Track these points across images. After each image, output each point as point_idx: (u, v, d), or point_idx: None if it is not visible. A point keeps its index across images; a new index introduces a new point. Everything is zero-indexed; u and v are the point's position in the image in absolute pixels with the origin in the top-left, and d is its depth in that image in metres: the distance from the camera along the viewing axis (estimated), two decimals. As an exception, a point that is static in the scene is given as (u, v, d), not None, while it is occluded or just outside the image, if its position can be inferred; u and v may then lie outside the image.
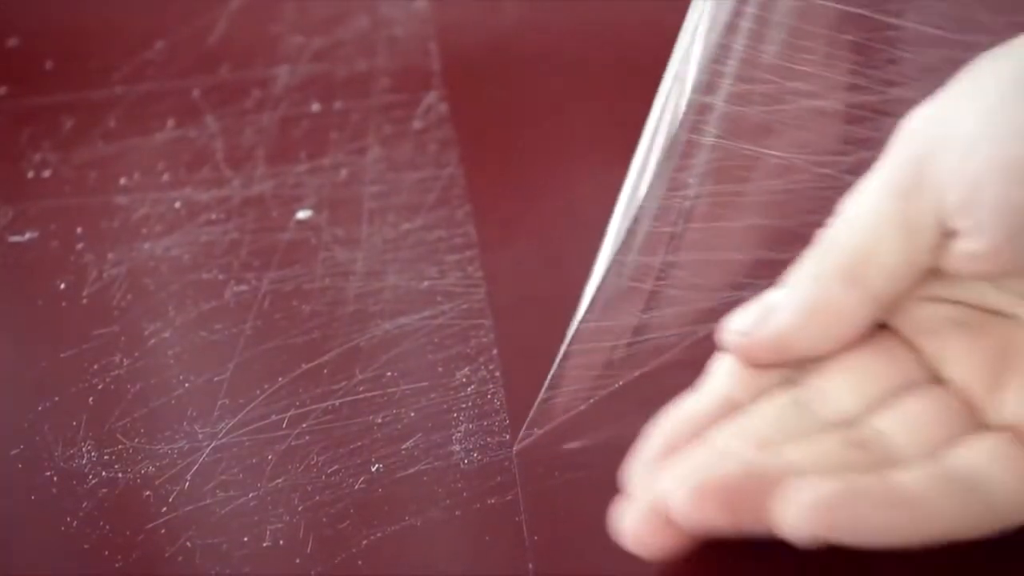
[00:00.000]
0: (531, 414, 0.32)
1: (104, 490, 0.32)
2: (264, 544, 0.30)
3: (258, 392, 0.34)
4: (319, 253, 0.39)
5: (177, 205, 0.42)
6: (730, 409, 0.29)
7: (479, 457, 0.32)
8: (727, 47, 0.32)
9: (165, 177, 0.43)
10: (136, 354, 0.36)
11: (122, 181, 0.43)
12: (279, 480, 0.32)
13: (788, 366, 0.29)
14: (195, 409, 0.34)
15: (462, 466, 0.32)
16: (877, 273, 0.28)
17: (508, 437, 0.32)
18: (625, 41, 0.47)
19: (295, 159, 0.44)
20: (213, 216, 0.41)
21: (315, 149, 0.44)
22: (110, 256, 0.40)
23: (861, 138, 0.29)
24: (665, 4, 0.33)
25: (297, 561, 0.30)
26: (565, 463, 0.31)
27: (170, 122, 0.46)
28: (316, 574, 0.29)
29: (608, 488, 0.28)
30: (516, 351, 0.35)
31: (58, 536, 0.31)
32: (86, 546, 0.30)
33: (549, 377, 0.32)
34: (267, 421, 0.33)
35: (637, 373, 0.33)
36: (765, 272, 0.30)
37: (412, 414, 0.33)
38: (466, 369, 0.35)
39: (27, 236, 0.41)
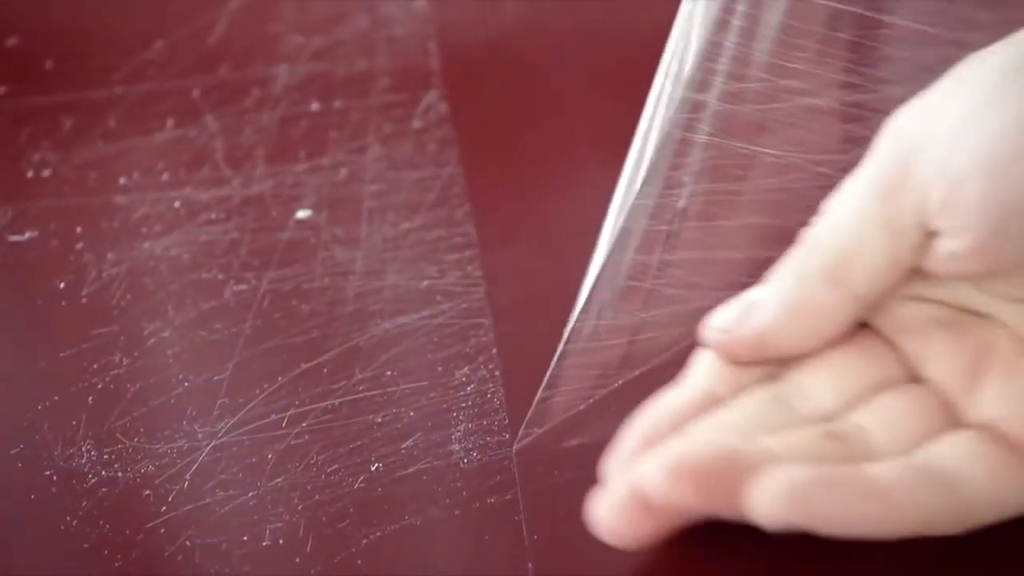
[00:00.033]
0: (529, 413, 0.32)
1: (104, 489, 0.32)
2: (264, 543, 0.30)
3: (258, 391, 0.34)
4: (319, 252, 0.39)
5: (177, 205, 0.42)
6: (710, 404, 0.29)
7: (479, 456, 0.32)
8: (719, 44, 0.32)
9: (165, 177, 0.43)
10: (136, 353, 0.36)
11: (122, 181, 0.43)
12: (279, 479, 0.32)
13: (769, 364, 0.29)
14: (195, 408, 0.34)
15: (462, 465, 0.32)
16: (860, 273, 0.28)
17: (508, 436, 0.32)
18: (625, 40, 0.47)
19: (295, 158, 0.44)
20: (213, 216, 0.41)
21: (315, 148, 0.44)
22: (110, 256, 0.40)
23: (857, 136, 0.29)
24: (665, 4, 0.33)
25: (297, 560, 0.30)
26: (565, 462, 0.31)
27: (170, 122, 0.46)
28: (316, 573, 0.29)
29: (607, 487, 0.28)
30: (516, 350, 0.35)
31: (58, 535, 0.31)
32: (86, 545, 0.30)
33: (547, 376, 0.32)
34: (267, 420, 0.33)
35: (637, 372, 0.33)
36: (764, 271, 0.30)
37: (412, 413, 0.33)
38: (466, 368, 0.35)
39: (27, 235, 0.41)
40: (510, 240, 0.40)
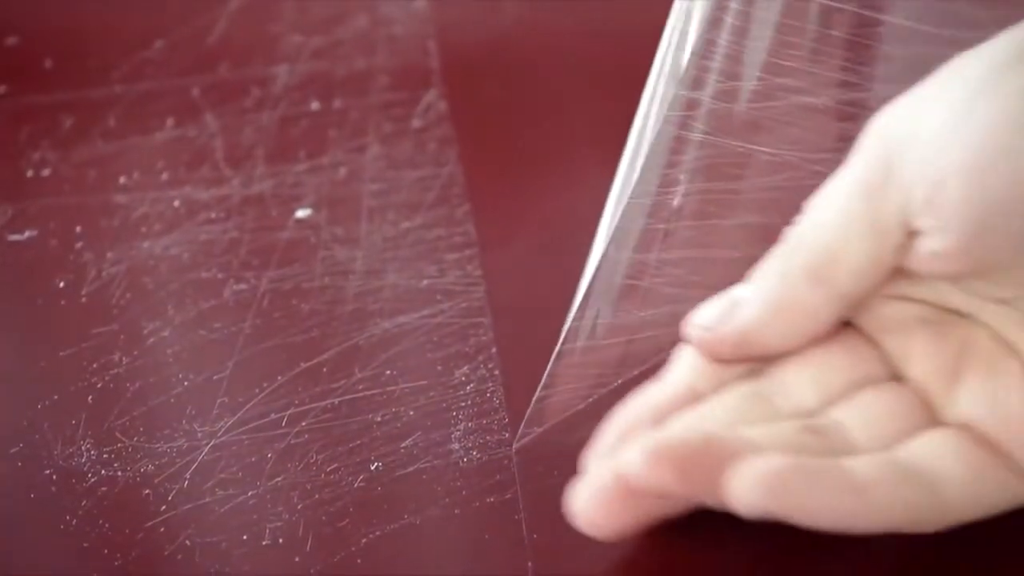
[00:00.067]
0: (528, 413, 0.32)
1: (103, 488, 0.32)
2: (263, 542, 0.30)
3: (257, 391, 0.34)
4: (318, 252, 0.39)
5: (176, 204, 0.42)
6: (691, 400, 0.29)
7: (478, 455, 0.32)
8: (712, 42, 0.32)
9: (164, 176, 0.43)
10: (135, 352, 0.36)
11: (121, 180, 0.43)
12: (278, 478, 0.32)
13: (751, 361, 0.30)
14: (194, 407, 0.34)
15: (461, 464, 0.32)
16: (843, 272, 0.28)
17: (507, 435, 0.32)
18: (625, 40, 0.47)
19: (294, 158, 0.44)
20: (212, 215, 0.41)
21: (314, 148, 0.44)
22: (109, 255, 0.40)
23: (854, 135, 0.29)
24: (665, 3, 0.33)
25: (296, 559, 0.30)
26: (565, 461, 0.31)
27: (169, 121, 0.46)
28: (315, 572, 0.29)
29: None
30: (515, 350, 0.35)
31: (57, 534, 0.31)
32: (85, 544, 0.30)
33: (545, 376, 0.32)
34: (266, 419, 0.33)
35: (636, 371, 0.33)
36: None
37: (411, 412, 0.33)
38: (465, 368, 0.35)
39: (26, 235, 0.41)
40: (510, 239, 0.40)
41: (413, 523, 0.30)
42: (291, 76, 0.48)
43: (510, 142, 0.45)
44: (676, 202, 0.33)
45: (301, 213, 0.41)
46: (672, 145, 0.32)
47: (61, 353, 0.36)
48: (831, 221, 0.28)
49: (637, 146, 0.32)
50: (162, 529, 0.31)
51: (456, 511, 0.31)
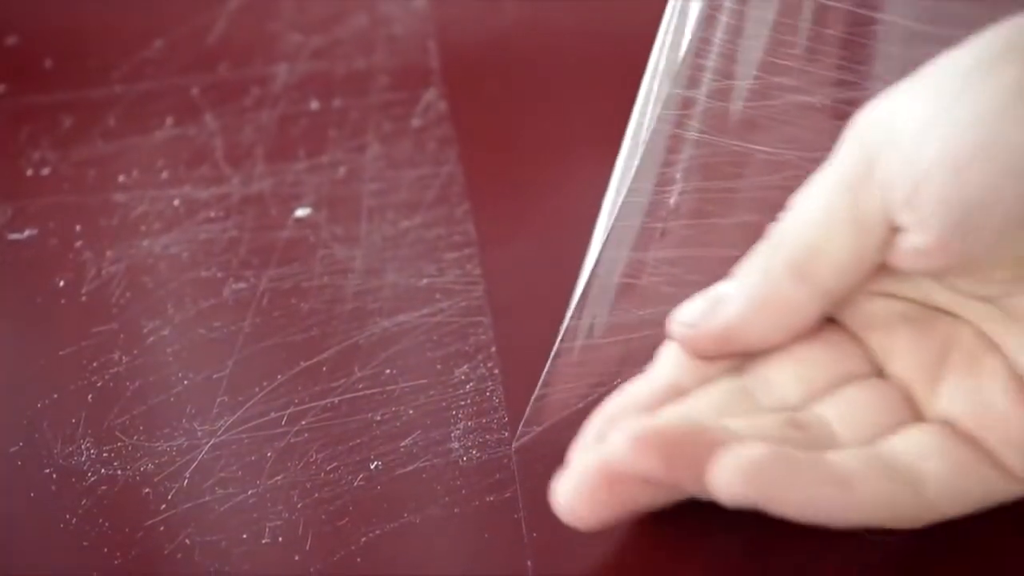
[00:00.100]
0: (527, 412, 0.32)
1: (103, 487, 0.32)
2: (263, 541, 0.30)
3: (257, 390, 0.34)
4: (318, 251, 0.39)
5: (176, 203, 0.42)
6: (674, 396, 0.29)
7: (478, 454, 0.32)
8: (707, 41, 0.32)
9: (164, 175, 0.43)
10: (135, 352, 0.36)
11: (121, 179, 0.43)
12: (278, 477, 0.32)
13: (734, 358, 0.30)
14: (194, 406, 0.34)
15: (461, 463, 0.32)
16: (826, 268, 0.28)
17: (507, 434, 0.32)
18: (625, 39, 0.47)
19: (294, 157, 0.44)
20: (212, 214, 0.41)
21: (314, 147, 0.44)
22: (109, 254, 0.40)
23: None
24: (665, 3, 0.33)
25: (296, 558, 0.30)
26: (564, 460, 0.31)
27: (169, 120, 0.46)
28: (315, 571, 0.29)
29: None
30: (515, 349, 0.35)
31: (57, 533, 0.31)
32: (85, 543, 0.30)
33: (543, 375, 0.32)
34: (266, 418, 0.33)
35: (637, 370, 0.33)
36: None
37: (411, 412, 0.33)
38: (465, 367, 0.35)
39: (26, 234, 0.41)
40: (509, 238, 0.40)
41: (413, 522, 0.30)
42: (290, 75, 0.48)
43: (510, 141, 0.45)
44: (673, 201, 0.33)
45: (301, 212, 0.41)
46: (668, 144, 0.32)
47: (61, 352, 0.36)
48: (814, 217, 0.28)
49: (633, 145, 0.32)
50: (162, 528, 0.31)
51: (456, 510, 0.31)
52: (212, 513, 0.31)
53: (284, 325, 0.36)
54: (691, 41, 0.31)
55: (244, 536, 0.30)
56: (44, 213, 0.42)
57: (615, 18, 0.50)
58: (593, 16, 0.51)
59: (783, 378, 0.29)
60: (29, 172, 0.44)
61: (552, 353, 0.32)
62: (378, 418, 0.33)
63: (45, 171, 0.44)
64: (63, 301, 0.38)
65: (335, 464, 0.32)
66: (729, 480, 0.25)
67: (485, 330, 0.36)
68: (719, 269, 0.30)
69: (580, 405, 0.32)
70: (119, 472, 0.32)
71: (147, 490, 0.32)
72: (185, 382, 0.35)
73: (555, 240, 0.39)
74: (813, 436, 0.28)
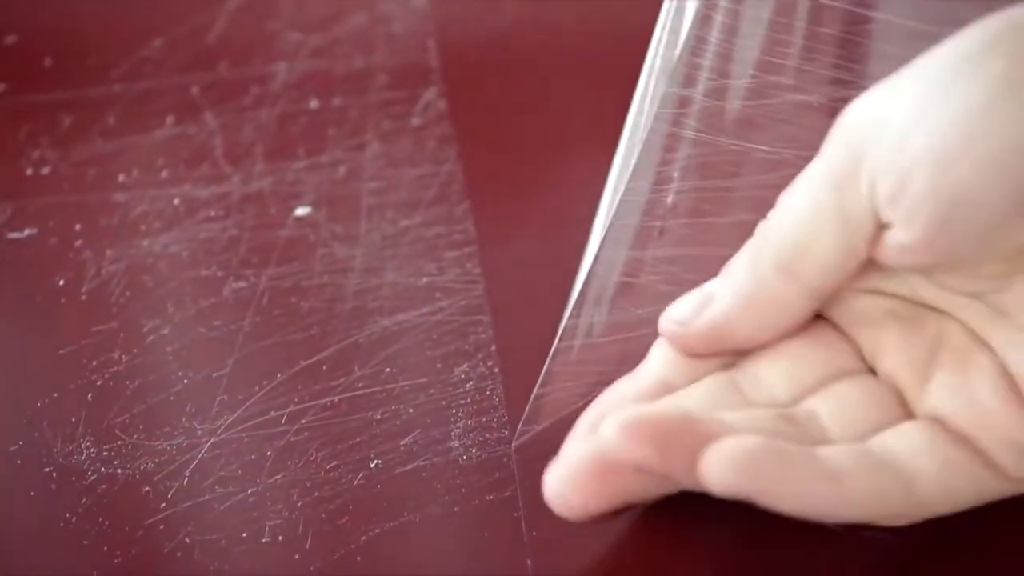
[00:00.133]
0: (526, 411, 0.32)
1: (103, 486, 0.32)
2: (263, 540, 0.30)
3: (257, 388, 0.34)
4: (318, 250, 0.39)
5: (176, 202, 0.42)
6: (664, 392, 0.29)
7: (478, 453, 0.32)
8: (703, 40, 0.32)
9: (164, 174, 0.43)
10: (135, 350, 0.36)
11: (121, 178, 0.43)
12: (278, 476, 0.32)
13: (724, 356, 0.30)
14: (194, 405, 0.34)
15: (461, 462, 0.32)
16: (814, 265, 0.28)
17: (507, 433, 0.32)
18: (625, 38, 0.47)
19: (294, 156, 0.44)
20: (212, 213, 0.41)
21: (314, 146, 0.44)
22: (109, 253, 0.40)
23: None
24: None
25: (296, 557, 0.30)
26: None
27: (169, 119, 0.46)
28: (315, 570, 0.29)
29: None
30: (515, 347, 0.35)
31: (57, 532, 0.31)
32: (85, 542, 0.30)
33: (542, 374, 0.32)
34: (266, 417, 0.33)
35: (635, 369, 0.33)
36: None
37: (411, 410, 0.33)
38: (465, 365, 0.35)
39: (26, 233, 0.41)
40: (509, 237, 0.40)
41: (412, 521, 0.30)
42: (290, 74, 0.48)
43: (509, 140, 0.45)
44: (670, 199, 0.33)
45: (300, 211, 0.41)
46: (665, 142, 0.32)
47: (61, 351, 0.36)
48: (800, 215, 0.28)
49: (630, 144, 0.32)
50: (162, 527, 0.31)
51: (456, 509, 0.31)
52: (212, 512, 0.31)
53: (284, 324, 0.36)
54: (687, 40, 0.31)
55: (244, 535, 0.30)
56: (44, 212, 0.42)
57: (615, 17, 0.50)
58: (593, 15, 0.51)
59: (773, 375, 0.29)
60: (29, 171, 0.44)
61: (551, 352, 0.32)
62: (378, 417, 0.33)
63: (45, 170, 0.44)
64: (63, 300, 0.38)
65: (335, 463, 0.32)
66: (721, 470, 0.25)
67: (485, 329, 0.36)
68: (717, 268, 0.30)
69: (580, 404, 0.32)
70: (119, 471, 0.32)
71: (147, 489, 0.32)
72: (185, 381, 0.35)
73: (555, 239, 0.39)
74: (804, 431, 0.28)
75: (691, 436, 0.26)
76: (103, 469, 0.32)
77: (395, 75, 0.48)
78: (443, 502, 0.31)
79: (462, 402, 0.33)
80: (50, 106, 0.47)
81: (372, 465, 0.32)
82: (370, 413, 0.33)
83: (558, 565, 0.29)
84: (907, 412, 0.29)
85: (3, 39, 0.52)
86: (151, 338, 0.36)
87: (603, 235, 0.32)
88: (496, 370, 0.34)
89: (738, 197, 0.33)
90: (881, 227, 0.28)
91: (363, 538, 0.30)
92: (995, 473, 0.27)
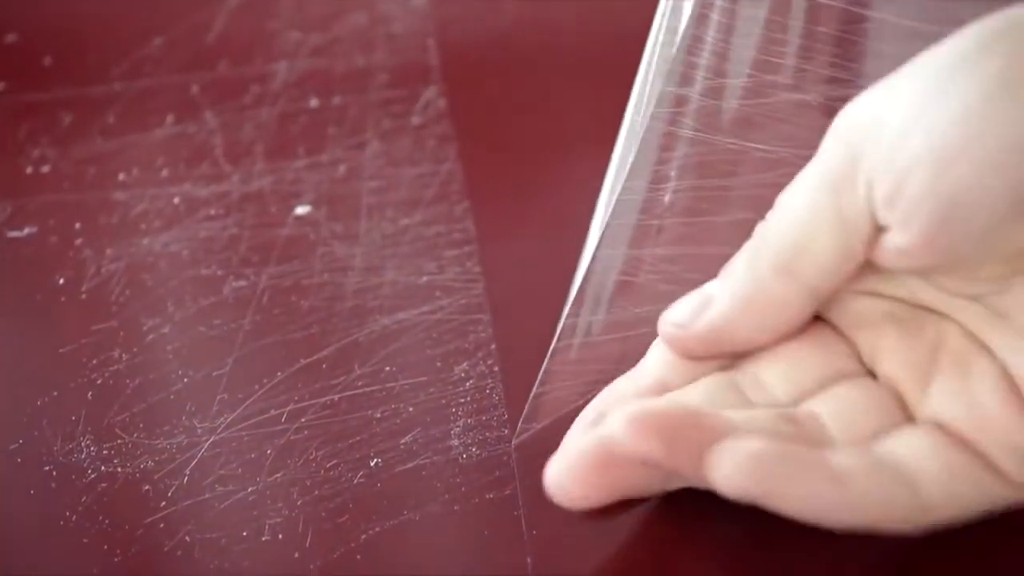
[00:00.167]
0: (525, 409, 0.32)
1: (103, 485, 0.32)
2: (263, 538, 0.30)
3: (257, 387, 0.34)
4: (318, 249, 0.39)
5: (176, 201, 0.42)
6: (663, 392, 0.29)
7: (478, 452, 0.32)
8: (699, 39, 0.32)
9: (164, 173, 0.43)
10: (135, 349, 0.36)
11: (121, 177, 0.43)
12: (278, 475, 0.32)
13: (723, 358, 0.30)
14: (194, 404, 0.34)
15: (461, 460, 0.32)
16: (812, 266, 0.28)
17: (507, 432, 0.32)
18: (624, 37, 0.47)
19: (294, 155, 0.44)
20: (212, 212, 0.41)
21: (313, 145, 0.44)
22: (109, 252, 0.40)
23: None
24: (663, 0, 0.33)
25: (296, 555, 0.30)
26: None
27: (169, 118, 0.46)
28: (315, 568, 0.29)
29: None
30: (515, 346, 0.35)
31: (57, 531, 0.31)
32: (85, 540, 0.31)
33: (541, 373, 0.32)
34: (266, 416, 0.33)
35: (635, 367, 0.33)
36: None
37: (411, 409, 0.33)
38: (464, 364, 0.35)
39: (26, 231, 0.41)
40: (509, 236, 0.40)
41: (412, 519, 0.30)
42: (290, 73, 0.48)
43: (509, 139, 0.45)
44: (668, 198, 0.33)
45: (300, 210, 0.41)
46: (662, 141, 0.32)
47: (61, 349, 0.36)
48: (798, 216, 0.28)
49: (627, 143, 0.32)
50: (162, 525, 0.31)
51: (456, 507, 0.31)
52: (212, 510, 0.31)
53: (284, 323, 0.36)
54: (683, 39, 0.31)
55: (244, 533, 0.30)
56: (44, 211, 0.42)
57: (615, 17, 0.50)
58: (593, 15, 0.51)
59: (773, 376, 0.29)
60: (29, 170, 0.44)
61: (549, 351, 0.32)
62: (378, 415, 0.33)
63: (45, 169, 0.44)
64: (63, 299, 0.38)
65: (335, 461, 0.32)
66: (730, 473, 0.25)
67: (485, 327, 0.36)
68: (715, 266, 0.30)
69: (579, 402, 0.32)
70: (119, 469, 0.32)
71: (147, 487, 0.32)
72: (185, 380, 0.35)
73: (555, 237, 0.39)
74: (806, 432, 0.28)
75: (697, 432, 0.26)
76: (103, 468, 0.32)
77: (395, 74, 0.48)
78: (443, 500, 0.31)
79: (462, 400, 0.33)
80: (50, 105, 0.47)
81: (372, 463, 0.32)
82: (370, 411, 0.33)
83: (558, 563, 0.29)
84: (907, 415, 0.28)
85: (3, 37, 0.52)
86: (151, 337, 0.36)
87: (601, 234, 0.32)
88: (496, 368, 0.34)
89: (736, 196, 0.33)
90: (879, 229, 0.28)
91: (363, 536, 0.30)
92: (998, 478, 0.27)
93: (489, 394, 0.34)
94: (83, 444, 0.33)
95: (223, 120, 0.46)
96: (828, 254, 0.28)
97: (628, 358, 0.31)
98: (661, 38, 0.32)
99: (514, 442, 0.32)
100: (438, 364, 0.35)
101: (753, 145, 0.32)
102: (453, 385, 0.34)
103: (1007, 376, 0.28)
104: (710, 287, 0.30)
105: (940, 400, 0.28)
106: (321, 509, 0.31)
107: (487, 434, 0.32)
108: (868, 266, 0.29)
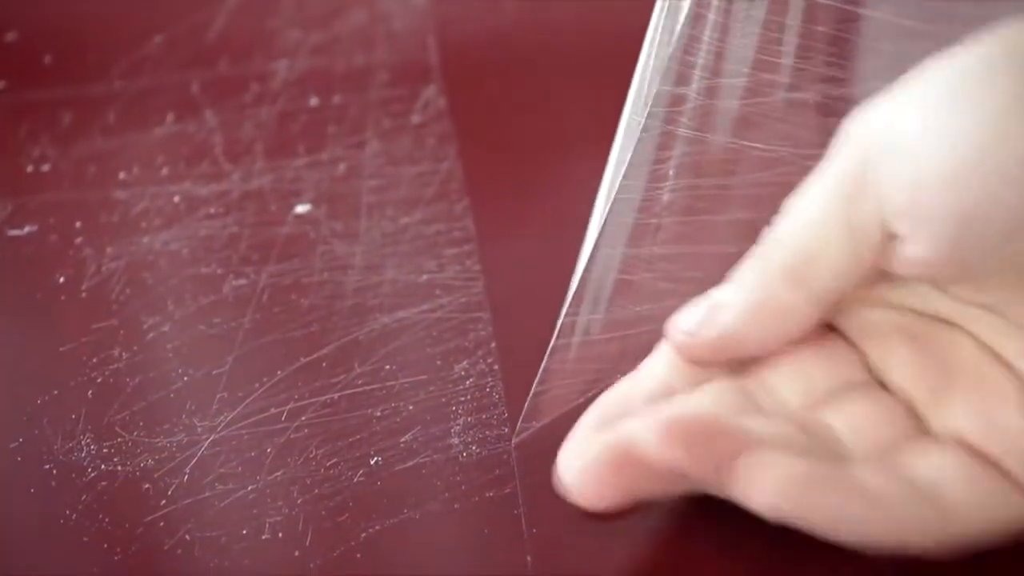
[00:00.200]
0: (525, 408, 0.32)
1: (103, 483, 0.32)
2: (263, 537, 0.30)
3: (257, 385, 0.34)
4: (318, 247, 0.39)
5: (176, 199, 0.42)
6: (667, 395, 0.29)
7: (478, 450, 0.32)
8: (696, 38, 0.32)
9: (164, 171, 0.43)
10: (135, 348, 0.36)
11: (121, 175, 0.43)
12: (278, 473, 0.32)
13: (731, 365, 0.29)
14: (194, 402, 0.34)
15: (461, 459, 0.32)
16: (822, 274, 0.28)
17: (507, 430, 0.32)
18: (624, 37, 0.47)
19: (294, 153, 0.44)
20: (212, 210, 0.41)
21: (313, 143, 0.44)
22: (109, 250, 0.40)
23: (844, 130, 0.29)
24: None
25: (296, 554, 0.30)
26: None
27: (169, 116, 0.46)
28: (315, 567, 0.29)
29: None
30: (515, 345, 0.35)
31: (57, 529, 0.31)
32: (85, 539, 0.31)
33: (540, 372, 0.32)
34: (266, 414, 0.33)
35: (634, 366, 0.33)
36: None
37: (411, 407, 0.33)
38: (464, 362, 0.35)
39: (26, 230, 0.41)
40: (509, 234, 0.40)
41: (412, 518, 0.30)
42: (290, 72, 0.48)
43: (509, 138, 0.45)
44: (666, 197, 0.33)
45: (300, 208, 0.41)
46: (659, 141, 0.32)
47: (61, 348, 0.36)
48: (808, 222, 0.28)
49: (625, 142, 0.32)
50: (162, 524, 0.31)
51: (455, 506, 0.31)
52: (212, 509, 0.31)
53: (284, 321, 0.36)
54: (680, 38, 0.31)
55: (244, 532, 0.30)
56: (44, 209, 0.42)
57: (615, 17, 0.50)
58: (593, 15, 0.51)
59: (782, 383, 0.29)
60: (29, 168, 0.44)
61: (549, 350, 0.32)
62: (378, 414, 0.33)
63: (45, 167, 0.44)
64: (63, 297, 0.38)
65: (335, 460, 0.32)
66: (766, 492, 0.25)
67: (485, 326, 0.36)
68: (714, 265, 0.30)
69: (579, 401, 0.32)
70: (119, 468, 0.32)
71: (147, 486, 0.32)
72: (185, 378, 0.35)
73: (555, 236, 0.39)
74: (824, 444, 0.27)
75: (724, 442, 0.26)
76: (103, 466, 0.32)
77: (395, 73, 0.48)
78: (443, 499, 0.31)
79: (462, 399, 0.34)
80: (50, 103, 0.47)
81: (372, 462, 0.32)
82: (370, 410, 0.33)
83: (558, 562, 0.29)
84: (919, 426, 0.28)
85: (3, 36, 0.52)
86: (151, 335, 0.36)
87: (599, 233, 0.32)
88: (496, 367, 0.34)
89: (733, 195, 0.33)
90: (891, 238, 0.27)
91: (363, 535, 0.30)
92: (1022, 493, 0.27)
93: (489, 392, 0.34)
94: (83, 442, 0.33)
95: (223, 119, 0.46)
96: (838, 262, 0.28)
97: (627, 356, 0.31)
98: (658, 38, 0.32)
99: (514, 440, 0.32)
100: (438, 362, 0.35)
101: (750, 144, 0.32)
102: (453, 383, 0.34)
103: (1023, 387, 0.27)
104: (718, 294, 0.29)
105: (957, 415, 0.28)
106: (321, 507, 0.31)
107: (487, 432, 0.32)
108: (879, 275, 0.29)
